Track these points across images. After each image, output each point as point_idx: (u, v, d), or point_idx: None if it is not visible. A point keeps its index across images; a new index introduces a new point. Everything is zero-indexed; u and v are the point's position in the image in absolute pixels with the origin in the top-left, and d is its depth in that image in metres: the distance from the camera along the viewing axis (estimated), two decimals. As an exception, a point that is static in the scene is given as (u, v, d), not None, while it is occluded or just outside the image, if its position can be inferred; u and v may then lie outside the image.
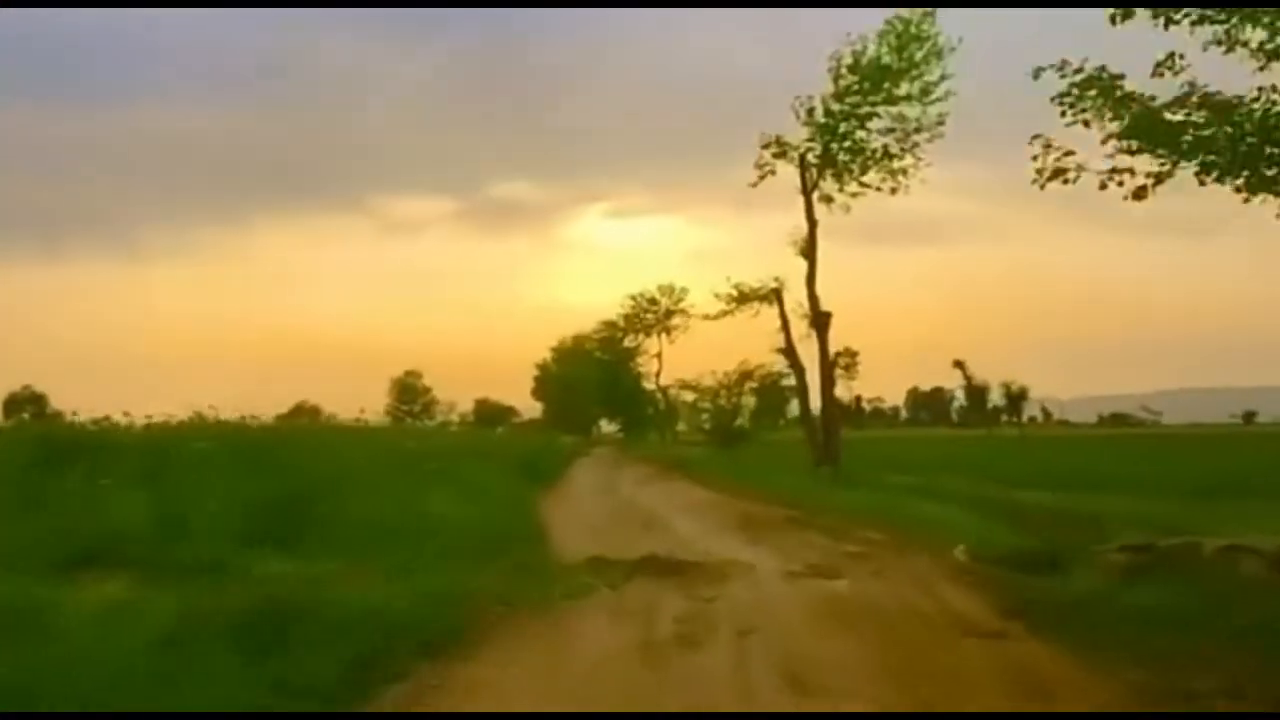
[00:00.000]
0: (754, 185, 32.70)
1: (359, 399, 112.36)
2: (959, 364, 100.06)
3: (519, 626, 7.72)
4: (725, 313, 35.86)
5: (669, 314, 77.12)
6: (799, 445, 35.90)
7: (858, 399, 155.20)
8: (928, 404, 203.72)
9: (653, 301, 78.16)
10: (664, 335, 77.86)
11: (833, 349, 32.70)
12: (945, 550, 11.05)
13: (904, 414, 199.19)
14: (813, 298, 32.14)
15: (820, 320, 31.99)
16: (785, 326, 33.53)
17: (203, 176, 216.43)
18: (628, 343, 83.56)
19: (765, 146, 32.32)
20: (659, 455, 50.37)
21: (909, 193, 32.06)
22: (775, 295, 34.08)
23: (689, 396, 55.75)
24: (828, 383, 32.46)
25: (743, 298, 35.00)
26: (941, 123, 30.98)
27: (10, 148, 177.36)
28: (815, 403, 33.30)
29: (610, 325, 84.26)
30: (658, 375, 78.68)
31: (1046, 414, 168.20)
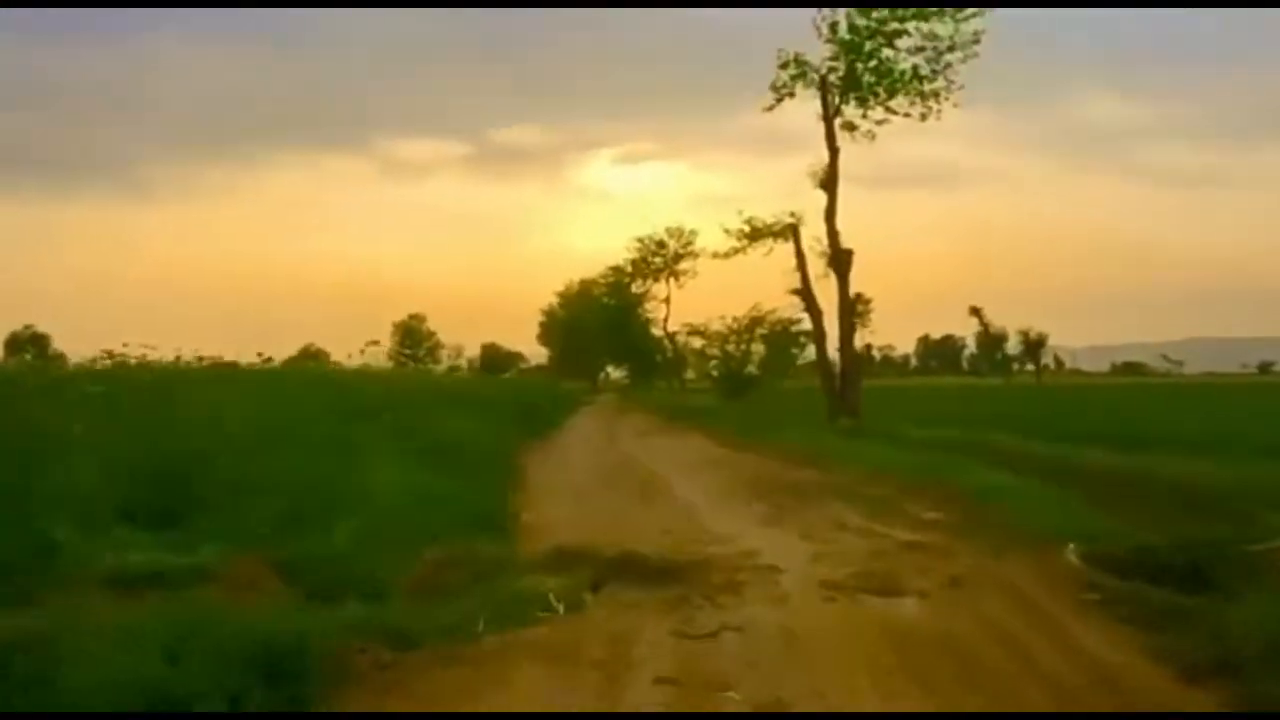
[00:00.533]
0: (769, 109, 29.33)
1: (364, 342, 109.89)
2: (975, 310, 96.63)
3: (400, 687, 4.86)
4: (736, 250, 32.45)
5: (677, 257, 74.36)
6: (812, 394, 32.84)
7: (868, 346, 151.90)
8: (938, 352, 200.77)
9: (660, 244, 75.29)
10: (672, 279, 75.20)
11: (853, 290, 29.56)
12: (1032, 541, 8.13)
13: (914, 362, 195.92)
14: (833, 234, 28.97)
15: (841, 258, 28.88)
16: (802, 265, 30.29)
17: (213, 117, 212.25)
18: (635, 288, 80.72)
19: (783, 66, 28.94)
20: (665, 404, 47.53)
21: (940, 119, 28.84)
22: (791, 231, 30.81)
23: (697, 343, 52.65)
24: (847, 328, 29.37)
25: (755, 234, 31.64)
26: (977, 40, 27.61)
27: (17, 85, 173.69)
28: (830, 349, 30.39)
29: (617, 270, 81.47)
30: (665, 321, 76.06)
31: (1059, 362, 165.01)
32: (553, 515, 11.60)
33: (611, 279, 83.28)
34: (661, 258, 75.39)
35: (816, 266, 29.66)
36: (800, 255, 30.32)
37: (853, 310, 29.58)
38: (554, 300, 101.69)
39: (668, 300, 75.80)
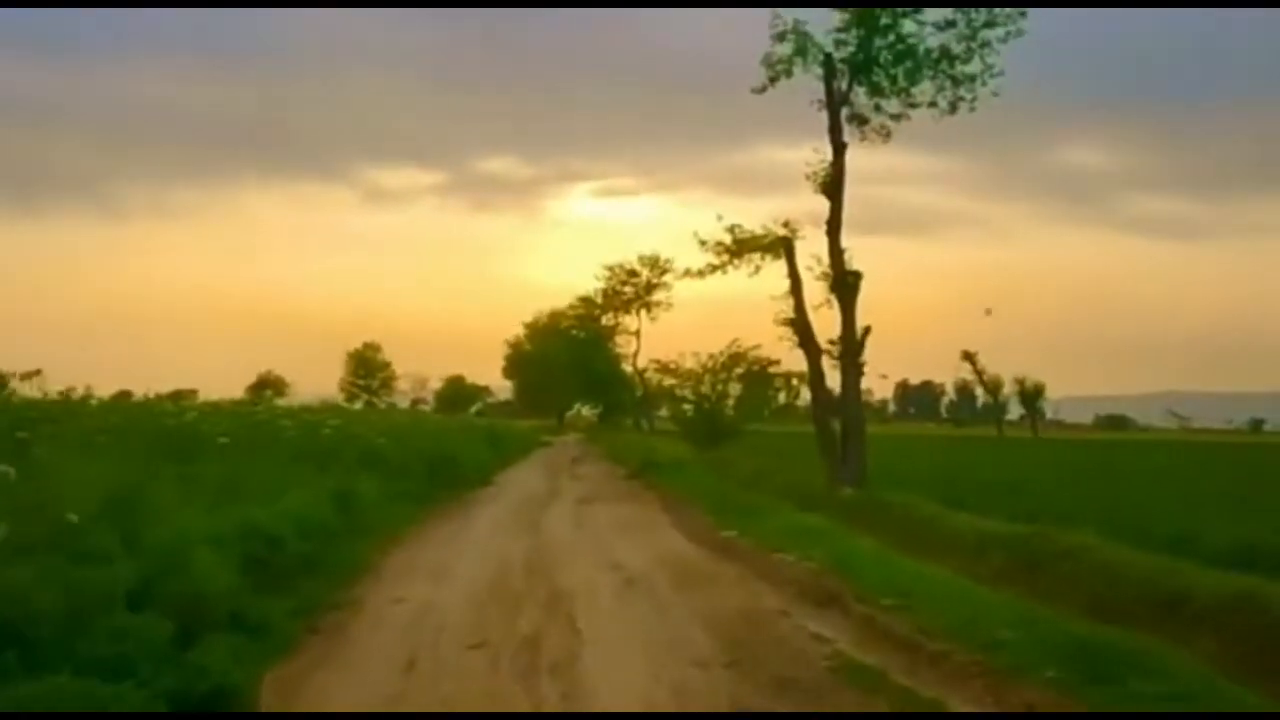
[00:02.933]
0: (761, 91, 22.70)
1: (330, 371, 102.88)
2: (969, 356, 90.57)
3: None
4: (715, 268, 25.80)
5: (650, 287, 68.53)
6: (796, 442, 27.35)
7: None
8: (917, 398, 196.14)
9: (632, 273, 69.42)
10: (644, 311, 69.23)
11: (859, 323, 22.82)
12: None
13: (892, 407, 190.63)
14: (836, 250, 22.31)
15: (846, 281, 22.33)
16: (796, 289, 23.64)
17: (188, 139, 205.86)
18: (605, 320, 74.66)
19: (779, 37, 22.48)
20: (630, 450, 40.48)
21: (974, 111, 22.40)
22: (783, 245, 24.18)
23: (667, 381, 46.21)
24: (851, 371, 22.67)
25: (740, 247, 25.05)
26: (1023, 13, 21.43)
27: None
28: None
29: (586, 301, 75.48)
30: (635, 356, 69.97)
31: (1040, 413, 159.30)
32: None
33: (580, 310, 77.22)
34: (633, 287, 69.61)
35: (813, 294, 23.10)
36: (794, 276, 23.68)
37: (860, 349, 22.80)
38: (520, 332, 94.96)
39: (638, 334, 70.04)
